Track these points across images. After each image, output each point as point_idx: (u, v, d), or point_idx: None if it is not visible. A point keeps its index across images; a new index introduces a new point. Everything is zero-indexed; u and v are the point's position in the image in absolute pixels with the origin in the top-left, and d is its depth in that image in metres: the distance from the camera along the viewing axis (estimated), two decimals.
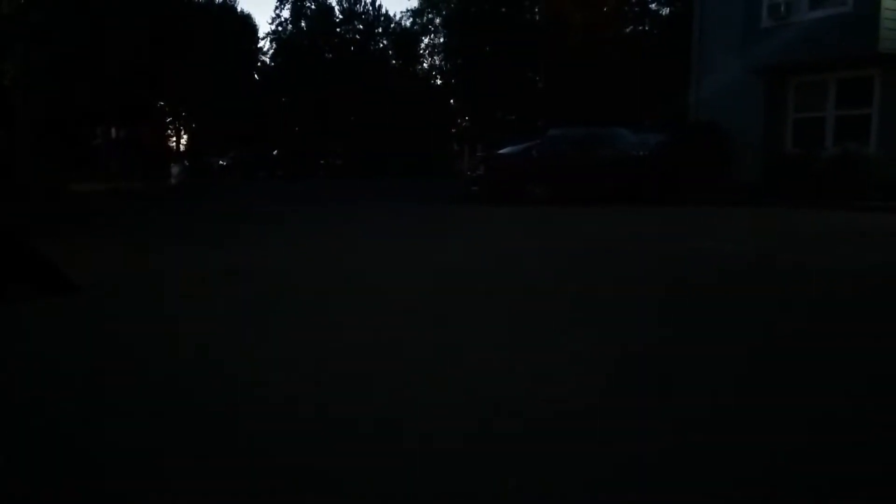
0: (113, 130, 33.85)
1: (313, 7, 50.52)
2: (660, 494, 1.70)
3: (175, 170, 35.90)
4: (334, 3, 50.34)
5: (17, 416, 2.30)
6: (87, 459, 1.92)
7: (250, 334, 3.38)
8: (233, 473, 1.83)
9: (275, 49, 51.17)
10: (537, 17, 40.20)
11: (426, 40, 50.86)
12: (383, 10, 50.33)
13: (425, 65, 51.75)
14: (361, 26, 50.54)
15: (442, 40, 48.50)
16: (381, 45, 51.23)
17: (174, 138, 47.78)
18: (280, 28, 51.00)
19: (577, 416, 2.22)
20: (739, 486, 1.73)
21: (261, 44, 51.35)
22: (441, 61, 49.41)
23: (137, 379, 2.67)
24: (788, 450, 1.95)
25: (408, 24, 50.84)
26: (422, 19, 49.87)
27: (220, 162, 43.03)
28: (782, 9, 15.77)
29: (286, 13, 51.25)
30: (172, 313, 3.97)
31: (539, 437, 2.06)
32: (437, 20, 48.59)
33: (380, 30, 51.07)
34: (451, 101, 48.09)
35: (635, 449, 1.94)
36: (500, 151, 16.89)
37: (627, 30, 36.92)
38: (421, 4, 49.16)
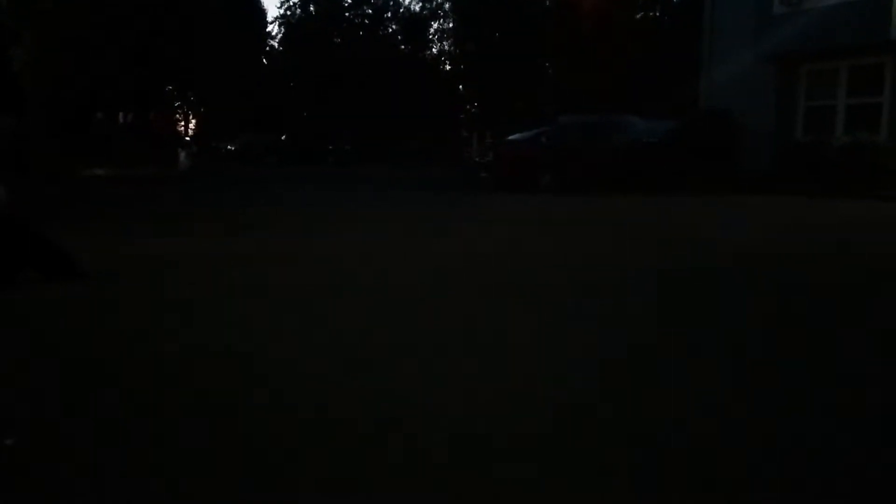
0: (120, 115, 33.83)
1: None
2: None
3: (182, 155, 35.85)
4: None
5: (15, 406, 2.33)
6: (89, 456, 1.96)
7: (262, 323, 3.41)
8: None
9: (283, 33, 51.00)
10: (547, 3, 39.87)
11: (435, 25, 50.63)
12: None
13: (434, 50, 51.54)
14: (370, 11, 50.28)
15: (451, 25, 48.25)
16: (391, 30, 50.98)
17: (182, 123, 47.80)
18: (289, 12, 50.80)
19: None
20: None
21: (269, 28, 51.23)
22: (450, 47, 49.15)
23: (142, 369, 2.70)
24: None
25: (417, 8, 50.65)
26: (431, 4, 49.64)
27: (228, 147, 42.96)
28: None
29: None
30: (188, 307, 4.00)
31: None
32: (447, 5, 48.36)
33: (389, 14, 50.82)
34: (461, 86, 47.87)
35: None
36: (510, 138, 16.86)
37: (638, 16, 36.57)
38: None
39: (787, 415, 2.17)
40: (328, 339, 3.08)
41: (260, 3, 56.41)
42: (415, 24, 49.89)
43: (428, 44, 51.12)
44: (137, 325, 3.38)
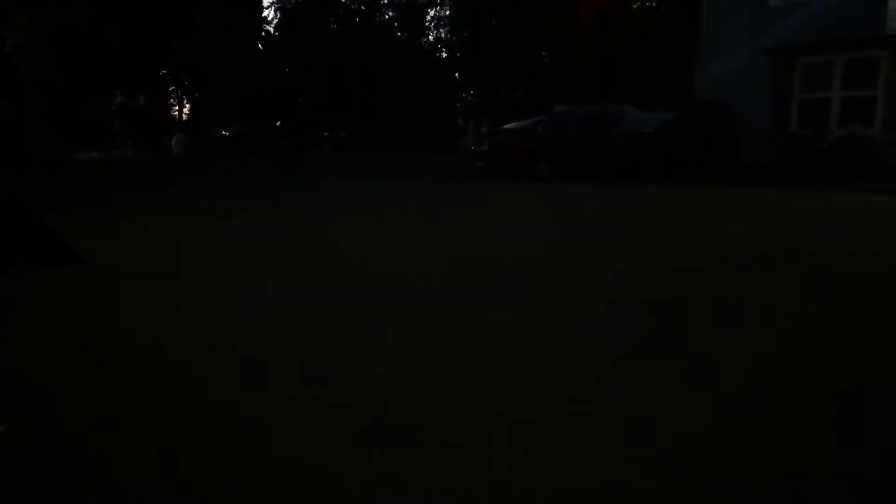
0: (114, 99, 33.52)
1: None
2: None
3: (176, 140, 35.66)
4: None
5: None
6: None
7: (256, 312, 3.43)
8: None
9: (279, 18, 50.68)
10: None
11: (432, 12, 50.38)
12: None
13: (431, 38, 51.27)
14: None
15: (448, 13, 48.03)
16: (387, 17, 50.69)
17: (177, 108, 47.44)
18: None
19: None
20: None
21: (265, 13, 50.89)
22: (447, 34, 48.92)
23: (138, 361, 2.72)
24: None
25: None
26: None
27: (223, 132, 42.76)
28: None
29: None
30: (188, 304, 4.02)
31: None
32: None
33: (385, 1, 50.53)
34: (457, 75, 47.64)
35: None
36: (506, 127, 16.84)
37: (635, 6, 36.47)
38: None
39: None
40: (328, 326, 3.10)
41: None
42: (411, 12, 49.59)
43: (424, 31, 50.86)
44: (133, 315, 3.39)
